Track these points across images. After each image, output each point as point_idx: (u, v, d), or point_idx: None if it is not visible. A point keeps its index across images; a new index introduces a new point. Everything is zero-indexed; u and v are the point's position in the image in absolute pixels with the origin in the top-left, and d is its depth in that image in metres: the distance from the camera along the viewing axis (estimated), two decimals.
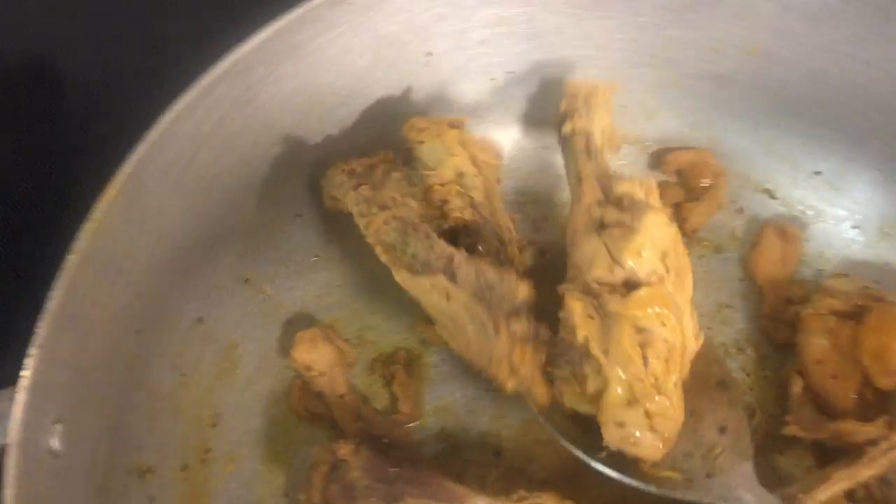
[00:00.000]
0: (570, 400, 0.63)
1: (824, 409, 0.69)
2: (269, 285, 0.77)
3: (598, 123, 0.71)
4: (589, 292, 0.61)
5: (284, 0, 0.66)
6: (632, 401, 0.59)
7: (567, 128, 0.71)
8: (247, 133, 0.68)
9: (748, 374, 0.75)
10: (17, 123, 0.89)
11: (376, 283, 0.79)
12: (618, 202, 0.64)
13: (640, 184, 0.64)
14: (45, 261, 0.53)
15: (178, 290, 0.69)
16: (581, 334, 0.60)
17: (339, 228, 0.80)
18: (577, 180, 0.68)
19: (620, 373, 0.58)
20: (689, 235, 0.80)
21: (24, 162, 0.87)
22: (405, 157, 0.72)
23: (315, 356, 0.73)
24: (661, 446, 0.60)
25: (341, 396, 0.73)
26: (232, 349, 0.74)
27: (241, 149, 0.69)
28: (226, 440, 0.72)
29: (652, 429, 0.59)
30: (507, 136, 0.83)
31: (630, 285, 0.60)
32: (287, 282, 0.78)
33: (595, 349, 0.60)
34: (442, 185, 0.70)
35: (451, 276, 0.64)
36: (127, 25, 0.91)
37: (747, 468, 0.62)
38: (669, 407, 0.59)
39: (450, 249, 0.65)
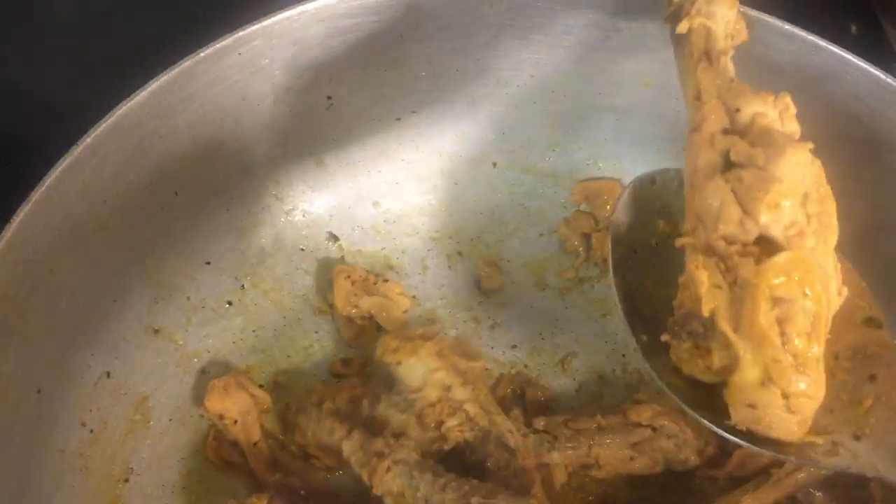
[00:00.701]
0: (691, 369, 0.54)
1: None
2: (180, 334, 0.77)
3: (722, 17, 0.58)
4: (715, 252, 0.50)
5: (176, 52, 0.66)
6: (766, 381, 0.49)
7: (683, 25, 0.58)
8: (144, 184, 0.68)
9: None
10: None
11: (290, 328, 0.80)
12: (746, 130, 0.52)
13: (774, 101, 0.52)
14: None
15: (82, 346, 0.69)
16: (707, 307, 0.50)
17: (249, 272, 0.80)
18: (694, 97, 0.57)
19: (754, 353, 0.49)
20: (598, 263, 0.81)
21: None
22: (384, 378, 0.70)
23: (228, 404, 0.72)
24: (797, 430, 0.50)
25: (255, 444, 0.73)
26: (143, 402, 0.74)
27: (139, 200, 0.69)
28: (139, 495, 0.71)
29: (789, 410, 0.50)
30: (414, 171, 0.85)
31: (765, 244, 0.50)
32: (200, 330, 0.78)
33: (724, 325, 0.50)
34: (432, 405, 0.66)
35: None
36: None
37: None
38: (810, 385, 0.49)
39: (461, 483, 0.61)
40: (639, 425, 0.70)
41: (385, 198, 0.85)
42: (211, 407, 0.72)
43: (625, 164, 0.84)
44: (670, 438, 0.69)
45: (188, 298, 0.78)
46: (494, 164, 0.86)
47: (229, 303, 0.80)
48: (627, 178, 0.82)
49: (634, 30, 0.73)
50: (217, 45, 0.65)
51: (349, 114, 0.79)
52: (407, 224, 0.85)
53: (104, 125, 0.62)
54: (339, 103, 0.77)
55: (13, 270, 0.58)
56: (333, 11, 0.69)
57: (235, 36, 0.66)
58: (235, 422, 0.72)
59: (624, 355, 0.79)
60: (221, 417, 0.72)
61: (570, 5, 0.72)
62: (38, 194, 0.59)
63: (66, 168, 0.60)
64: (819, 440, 0.51)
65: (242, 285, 0.80)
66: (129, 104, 0.63)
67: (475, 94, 0.81)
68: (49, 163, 0.60)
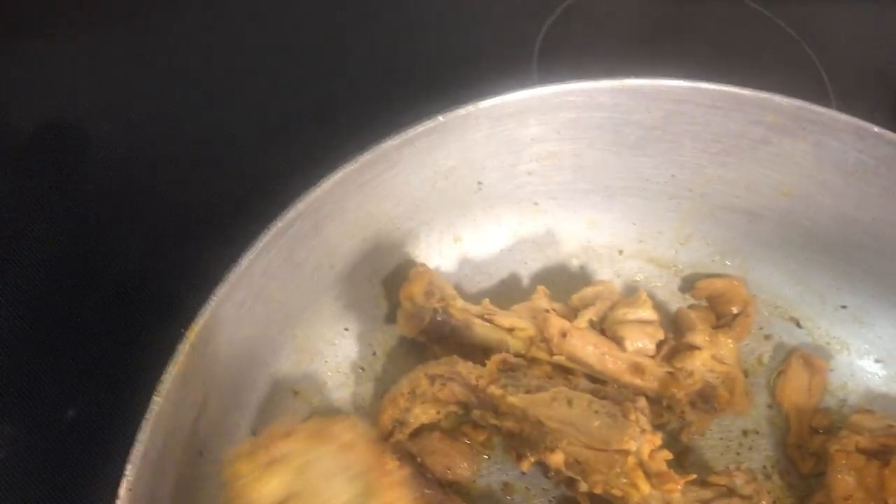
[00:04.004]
0: None
1: None
2: (317, 397, 0.80)
3: None
4: None
5: (352, 140, 0.70)
6: None
7: None
8: (310, 261, 0.72)
9: (774, 502, 0.78)
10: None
11: None
12: None
13: None
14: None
15: (236, 408, 0.72)
16: None
17: (379, 340, 0.83)
18: None
19: None
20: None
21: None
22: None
23: None
24: None
25: None
26: None
27: (302, 275, 0.72)
28: None
29: None
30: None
31: None
32: (333, 393, 0.81)
33: None
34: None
35: (572, 386, 0.67)
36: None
37: None
38: None
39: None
40: None
41: (511, 275, 0.88)
42: None
43: (750, 263, 0.86)
44: None
45: (325, 362, 0.81)
46: (620, 252, 0.88)
47: (362, 368, 0.83)
48: (750, 279, 0.85)
49: (785, 145, 0.76)
50: (395, 140, 0.69)
51: (494, 197, 0.81)
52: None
53: (289, 213, 0.65)
54: (488, 189, 0.80)
55: (204, 347, 0.62)
56: (501, 111, 0.72)
57: (416, 130, 0.69)
58: None
59: None
60: None
61: (726, 117, 0.75)
62: (233, 274, 0.62)
63: (260, 248, 0.63)
64: None
65: (374, 352, 0.83)
66: (311, 194, 0.66)
67: (614, 187, 0.84)
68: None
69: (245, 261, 0.63)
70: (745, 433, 0.81)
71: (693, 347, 0.78)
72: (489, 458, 0.79)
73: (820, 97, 0.95)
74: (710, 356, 0.77)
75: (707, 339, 0.79)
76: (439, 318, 0.77)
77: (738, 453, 0.80)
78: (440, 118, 0.69)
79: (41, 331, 0.84)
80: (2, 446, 0.78)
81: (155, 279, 0.87)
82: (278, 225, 0.65)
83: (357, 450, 0.54)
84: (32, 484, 0.77)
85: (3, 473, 0.77)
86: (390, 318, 0.83)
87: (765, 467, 0.79)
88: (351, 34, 1.08)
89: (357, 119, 0.77)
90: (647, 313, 0.78)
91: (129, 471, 0.54)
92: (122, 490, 0.53)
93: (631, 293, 0.83)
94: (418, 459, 0.72)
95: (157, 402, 0.57)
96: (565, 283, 0.87)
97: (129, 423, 0.57)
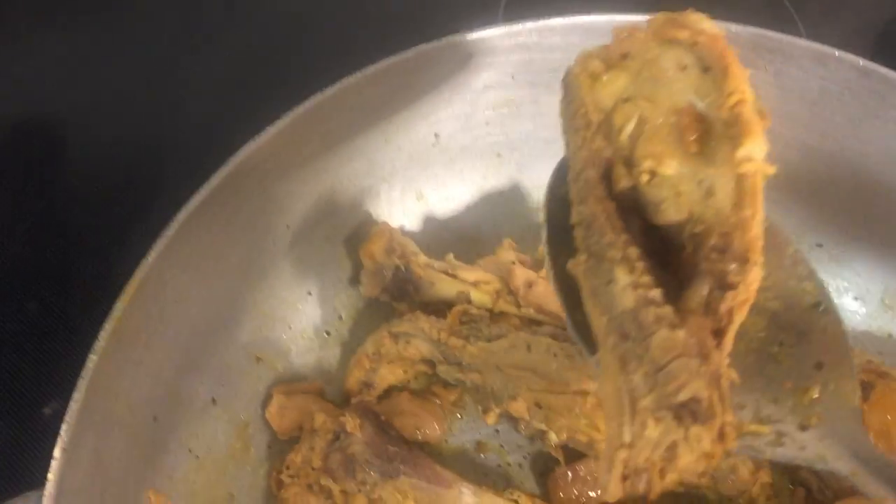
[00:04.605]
0: None
1: (829, 483, 0.70)
2: (281, 362, 0.78)
3: None
4: None
5: (299, 91, 0.68)
6: None
7: None
8: (261, 221, 0.70)
9: None
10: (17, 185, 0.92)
11: None
12: None
13: None
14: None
15: (193, 374, 0.70)
16: None
17: (345, 304, 0.81)
18: None
19: None
20: None
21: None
22: None
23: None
24: None
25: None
26: (244, 429, 0.75)
27: (255, 235, 0.70)
28: None
29: None
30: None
31: None
32: (298, 359, 0.79)
33: None
34: None
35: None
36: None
37: (853, 417, 0.49)
38: None
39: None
40: None
41: (479, 229, 0.86)
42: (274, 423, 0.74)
43: None
44: None
45: (289, 328, 0.79)
46: None
47: (327, 332, 0.81)
48: None
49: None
50: (335, 88, 0.67)
51: (453, 150, 0.79)
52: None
53: (228, 167, 0.63)
54: (446, 141, 0.78)
55: (145, 304, 0.60)
56: (449, 55, 0.70)
57: (352, 78, 0.67)
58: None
59: None
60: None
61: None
62: (171, 231, 0.60)
63: (197, 206, 0.61)
64: (764, 430, 0.49)
65: (340, 315, 0.81)
66: (251, 147, 0.65)
67: None
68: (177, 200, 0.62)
69: (183, 214, 0.61)
70: None
71: None
72: (461, 417, 0.77)
73: (789, 28, 0.92)
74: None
75: None
76: (402, 276, 0.75)
77: None
78: (383, 63, 0.67)
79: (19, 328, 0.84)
80: None
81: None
82: (217, 179, 0.63)
83: (706, 45, 0.44)
84: None
85: None
86: (354, 281, 0.82)
87: None
88: None
89: (312, 67, 0.74)
90: None
91: (64, 430, 0.52)
92: (57, 450, 0.52)
93: None
94: (383, 418, 0.71)
95: (93, 360, 0.55)
96: (533, 234, 0.85)
97: None
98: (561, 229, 0.49)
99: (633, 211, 0.46)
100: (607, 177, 0.47)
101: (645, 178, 0.45)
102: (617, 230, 0.44)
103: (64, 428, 0.53)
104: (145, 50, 1.00)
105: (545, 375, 0.63)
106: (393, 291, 0.77)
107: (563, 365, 0.62)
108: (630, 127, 0.46)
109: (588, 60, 0.49)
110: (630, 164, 0.46)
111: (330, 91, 0.66)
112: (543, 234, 0.51)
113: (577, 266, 0.46)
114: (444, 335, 0.69)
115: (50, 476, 0.51)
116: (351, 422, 0.67)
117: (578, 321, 0.48)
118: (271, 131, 0.64)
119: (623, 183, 0.46)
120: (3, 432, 0.79)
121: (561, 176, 0.51)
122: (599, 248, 0.44)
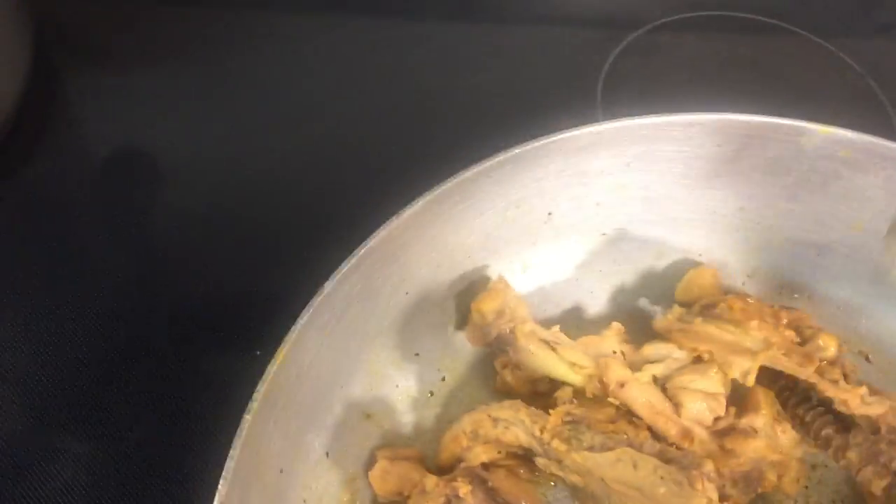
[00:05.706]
0: None
1: None
2: (388, 420, 0.82)
3: None
4: None
5: (431, 175, 0.73)
6: None
7: None
8: (386, 287, 0.74)
9: None
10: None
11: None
12: None
13: None
14: None
15: (314, 428, 0.74)
16: None
17: (449, 366, 0.85)
18: None
19: None
20: None
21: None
22: None
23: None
24: None
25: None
26: (352, 482, 0.78)
27: (378, 301, 0.75)
28: None
29: None
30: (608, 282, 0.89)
31: None
32: (402, 417, 0.83)
33: None
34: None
35: (637, 447, 0.65)
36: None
37: None
38: None
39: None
40: None
41: (577, 305, 0.89)
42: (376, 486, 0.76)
43: (818, 297, 0.86)
44: None
45: (397, 386, 0.83)
46: None
47: (430, 393, 0.84)
48: (820, 312, 0.85)
49: (856, 179, 0.76)
50: (471, 171, 0.71)
51: (562, 227, 0.83)
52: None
53: (375, 238, 0.68)
54: (558, 219, 0.82)
55: (287, 367, 0.64)
56: (574, 144, 0.74)
57: (491, 162, 0.71)
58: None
59: None
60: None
61: (798, 151, 0.76)
62: (318, 299, 0.65)
63: (342, 275, 0.66)
64: None
65: (443, 377, 0.85)
66: (397, 220, 0.69)
67: (680, 218, 0.85)
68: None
69: (330, 285, 0.65)
70: (813, 467, 0.81)
71: (751, 432, 0.74)
72: (555, 485, 0.80)
73: (885, 130, 0.95)
74: (765, 445, 0.73)
75: (768, 424, 0.74)
76: (504, 338, 0.78)
77: (807, 487, 0.79)
78: (516, 150, 0.71)
79: (111, 354, 0.89)
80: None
81: (230, 306, 0.91)
82: (361, 251, 0.67)
83: None
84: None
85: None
86: (462, 347, 0.85)
87: (833, 502, 0.79)
88: (429, 69, 1.12)
89: (434, 154, 0.80)
90: (714, 387, 0.74)
91: (222, 486, 0.56)
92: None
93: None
94: (490, 485, 0.73)
95: (247, 421, 0.59)
96: (631, 314, 0.88)
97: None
98: None
99: None
100: None
101: None
102: None
103: (222, 483, 0.57)
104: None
105: (652, 498, 0.63)
106: (494, 347, 0.80)
107: (671, 490, 0.62)
108: None
109: None
110: None
111: (466, 174, 0.70)
112: None
113: None
114: (546, 435, 0.71)
115: None
116: (463, 487, 0.70)
117: None
118: (414, 208, 0.69)
119: None
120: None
121: None
122: None
